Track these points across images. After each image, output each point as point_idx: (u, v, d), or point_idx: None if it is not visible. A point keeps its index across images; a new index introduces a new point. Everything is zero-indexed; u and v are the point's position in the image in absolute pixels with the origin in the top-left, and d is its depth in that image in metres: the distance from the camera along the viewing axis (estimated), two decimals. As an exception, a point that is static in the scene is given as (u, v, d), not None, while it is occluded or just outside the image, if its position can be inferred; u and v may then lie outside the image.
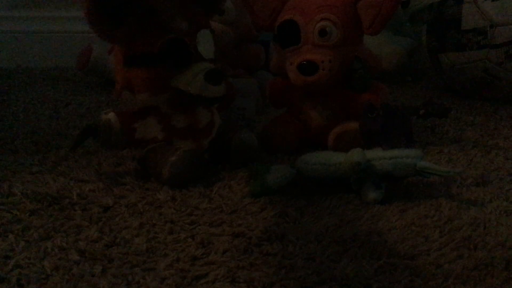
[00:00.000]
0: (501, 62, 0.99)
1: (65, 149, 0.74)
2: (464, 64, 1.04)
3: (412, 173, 0.58)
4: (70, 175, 0.64)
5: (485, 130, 0.87)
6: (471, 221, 0.53)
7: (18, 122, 0.88)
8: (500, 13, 0.97)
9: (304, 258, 0.46)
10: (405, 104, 1.06)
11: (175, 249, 0.48)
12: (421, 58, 1.29)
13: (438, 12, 1.08)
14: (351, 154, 0.58)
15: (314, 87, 0.72)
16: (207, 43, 0.65)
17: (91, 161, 0.69)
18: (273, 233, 0.50)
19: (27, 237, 0.49)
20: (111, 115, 0.64)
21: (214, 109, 0.69)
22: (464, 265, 0.45)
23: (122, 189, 0.61)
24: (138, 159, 0.66)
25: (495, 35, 0.98)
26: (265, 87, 0.82)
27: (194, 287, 0.42)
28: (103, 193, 0.60)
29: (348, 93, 0.74)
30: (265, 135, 0.76)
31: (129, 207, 0.56)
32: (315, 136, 0.76)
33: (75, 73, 1.27)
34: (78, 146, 0.66)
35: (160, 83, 0.63)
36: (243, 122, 0.83)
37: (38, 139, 0.79)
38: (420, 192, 0.61)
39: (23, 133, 0.82)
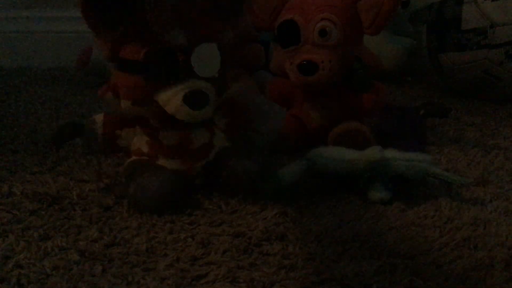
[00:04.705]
0: (501, 62, 0.99)
1: (65, 149, 0.74)
2: (464, 64, 1.04)
3: (421, 176, 0.58)
4: (70, 175, 0.64)
5: (485, 130, 0.87)
6: (471, 221, 0.53)
7: (18, 122, 0.88)
8: (500, 13, 0.98)
9: (304, 258, 0.46)
10: (405, 104, 1.06)
11: (175, 249, 0.48)
12: (421, 58, 1.29)
13: (438, 12, 1.08)
14: (369, 152, 0.58)
15: (314, 87, 0.72)
16: (210, 59, 0.57)
17: (91, 161, 0.69)
18: (273, 233, 0.50)
19: (27, 237, 0.49)
20: (98, 117, 0.61)
21: (217, 130, 0.62)
22: (464, 265, 0.45)
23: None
24: (123, 170, 0.61)
25: (495, 35, 0.98)
26: (265, 87, 0.82)
27: (194, 287, 0.42)
28: (103, 193, 0.60)
29: (348, 93, 0.74)
30: (265, 135, 0.76)
31: (129, 207, 0.56)
32: (315, 136, 0.76)
33: (75, 73, 1.27)
34: (60, 141, 0.63)
35: (144, 94, 0.56)
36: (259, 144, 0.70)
37: (38, 139, 0.79)
38: (420, 192, 0.60)
39: (23, 133, 0.81)
